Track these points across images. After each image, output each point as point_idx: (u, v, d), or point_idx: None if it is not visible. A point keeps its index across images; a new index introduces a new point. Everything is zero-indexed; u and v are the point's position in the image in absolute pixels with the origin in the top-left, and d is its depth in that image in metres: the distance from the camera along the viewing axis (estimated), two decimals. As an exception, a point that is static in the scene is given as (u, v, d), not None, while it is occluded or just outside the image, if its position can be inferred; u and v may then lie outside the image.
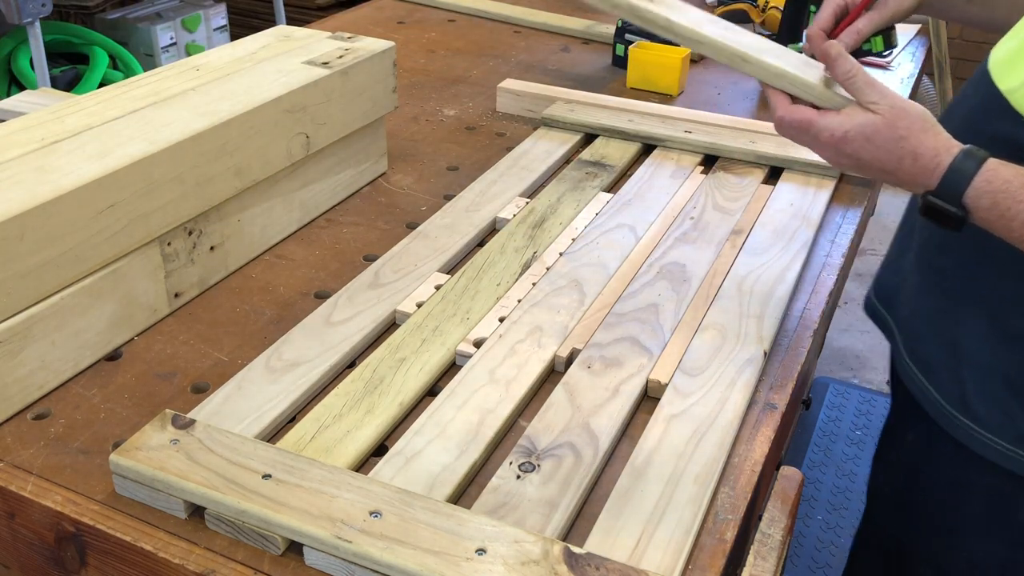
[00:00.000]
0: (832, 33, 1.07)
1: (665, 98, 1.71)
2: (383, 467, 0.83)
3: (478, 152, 1.48)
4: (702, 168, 1.42)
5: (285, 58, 1.25)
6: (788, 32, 1.76)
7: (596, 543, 0.76)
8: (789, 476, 0.84)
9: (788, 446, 1.91)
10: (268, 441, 0.86)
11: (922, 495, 1.09)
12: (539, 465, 0.84)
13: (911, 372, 1.05)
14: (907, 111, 0.85)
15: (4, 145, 0.97)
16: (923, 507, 1.10)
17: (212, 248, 1.10)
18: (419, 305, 1.06)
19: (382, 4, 2.21)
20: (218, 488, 0.77)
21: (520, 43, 2.00)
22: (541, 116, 1.55)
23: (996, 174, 0.81)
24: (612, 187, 1.37)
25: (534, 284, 1.11)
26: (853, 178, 1.40)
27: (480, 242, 1.22)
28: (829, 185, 1.36)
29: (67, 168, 0.93)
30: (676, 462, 0.85)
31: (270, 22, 3.59)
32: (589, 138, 1.51)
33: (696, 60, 1.90)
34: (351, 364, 0.99)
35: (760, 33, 1.98)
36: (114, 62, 3.28)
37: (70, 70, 3.17)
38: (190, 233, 1.06)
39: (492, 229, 1.26)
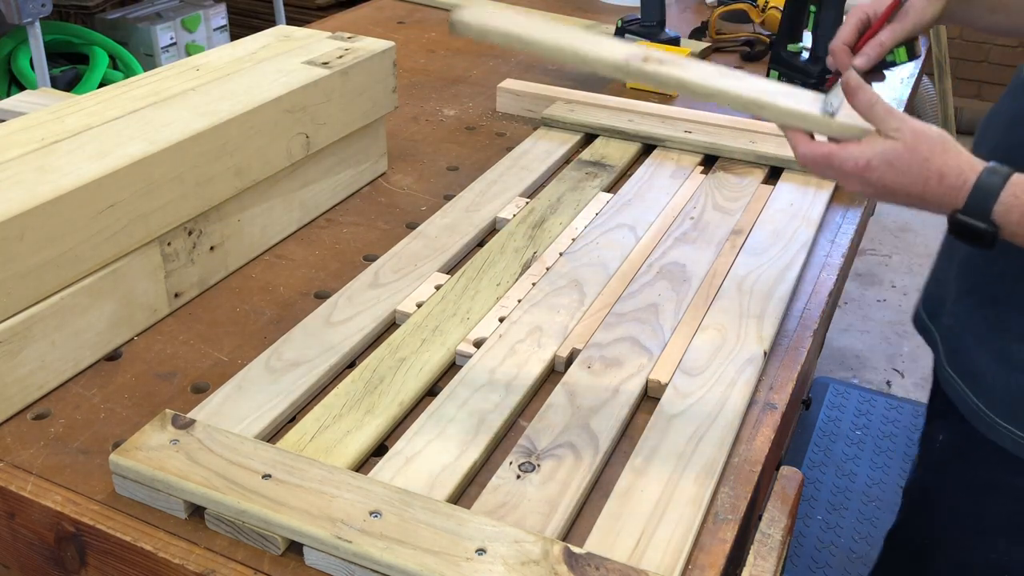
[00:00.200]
0: (855, 46, 1.08)
1: (665, 98, 1.71)
2: (383, 467, 0.83)
3: (478, 152, 1.48)
4: (702, 168, 1.42)
5: (285, 58, 1.25)
6: (788, 32, 1.76)
7: (596, 543, 0.76)
8: (789, 476, 0.84)
9: (788, 446, 1.90)
10: (268, 441, 0.86)
11: (953, 495, 1.11)
12: (539, 465, 0.84)
13: (951, 379, 1.06)
14: (927, 134, 0.85)
15: (4, 145, 0.97)
16: (953, 507, 1.11)
17: (212, 248, 1.10)
18: (419, 305, 1.06)
19: (382, 4, 2.21)
20: (218, 488, 0.77)
21: (520, 43, 1.99)
22: (541, 116, 1.55)
23: (1023, 188, 0.81)
24: (612, 187, 1.37)
25: (534, 284, 1.11)
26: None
27: (480, 242, 1.22)
28: (829, 185, 1.36)
29: (67, 168, 0.93)
30: (676, 462, 0.85)
31: (270, 22, 3.59)
32: (589, 138, 1.51)
33: (696, 60, 1.90)
34: (351, 364, 0.99)
35: (760, 33, 1.98)
36: (114, 62, 3.28)
37: (70, 70, 3.17)
38: (190, 233, 1.06)
39: (492, 229, 1.26)
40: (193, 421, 0.84)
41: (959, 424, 1.05)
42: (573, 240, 1.21)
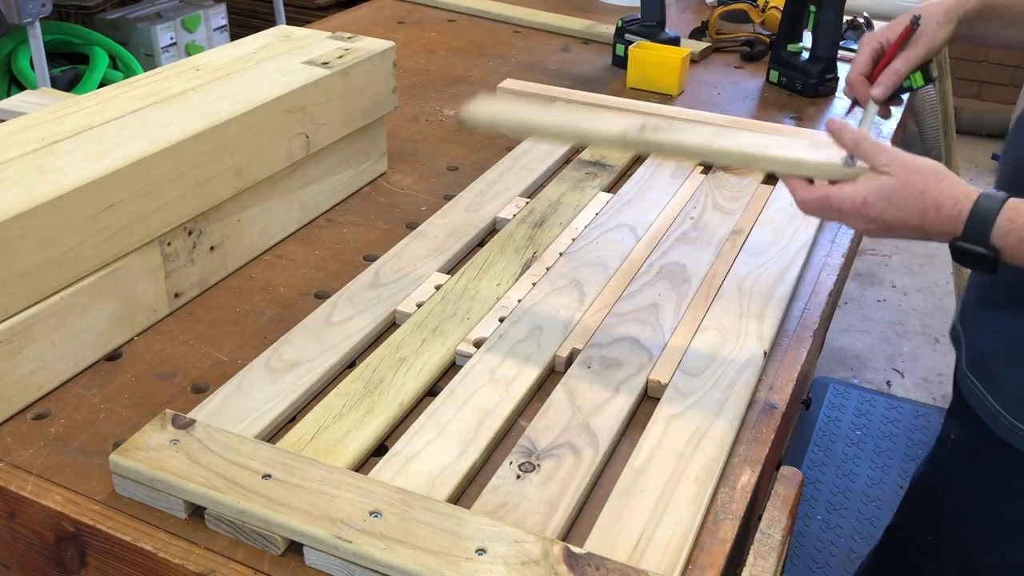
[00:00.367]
0: (871, 75, 1.09)
1: (665, 98, 1.71)
2: (383, 467, 0.83)
3: (478, 152, 1.48)
4: (702, 168, 1.42)
5: (285, 58, 1.25)
6: (788, 32, 1.76)
7: (596, 543, 0.76)
8: (789, 476, 0.84)
9: (788, 446, 1.90)
10: (268, 441, 0.86)
11: (962, 495, 1.11)
12: (539, 465, 0.84)
13: (969, 381, 1.07)
14: (919, 167, 0.87)
15: (4, 145, 0.97)
16: (961, 506, 1.11)
17: (212, 248, 1.10)
18: (419, 305, 1.06)
19: (382, 4, 2.21)
20: (218, 488, 0.77)
21: (520, 43, 2.00)
22: (541, 116, 1.54)
23: (1018, 211, 0.83)
24: (612, 187, 1.37)
25: (534, 284, 1.11)
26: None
27: (480, 242, 1.22)
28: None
29: (67, 168, 0.93)
30: (676, 462, 0.85)
31: (270, 22, 3.59)
32: (589, 138, 1.51)
33: (696, 60, 1.90)
34: (351, 364, 0.99)
35: (760, 33, 1.98)
36: (114, 62, 3.28)
37: (70, 70, 3.17)
38: (190, 233, 1.06)
39: (492, 229, 1.25)
40: (193, 421, 0.84)
41: (973, 424, 1.06)
42: (573, 240, 1.21)
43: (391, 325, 1.05)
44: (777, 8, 1.93)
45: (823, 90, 1.73)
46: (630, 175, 1.40)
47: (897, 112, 1.57)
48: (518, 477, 0.82)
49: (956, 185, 0.86)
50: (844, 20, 1.81)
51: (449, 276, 1.12)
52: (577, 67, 1.86)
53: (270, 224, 1.19)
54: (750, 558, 0.75)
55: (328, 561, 0.74)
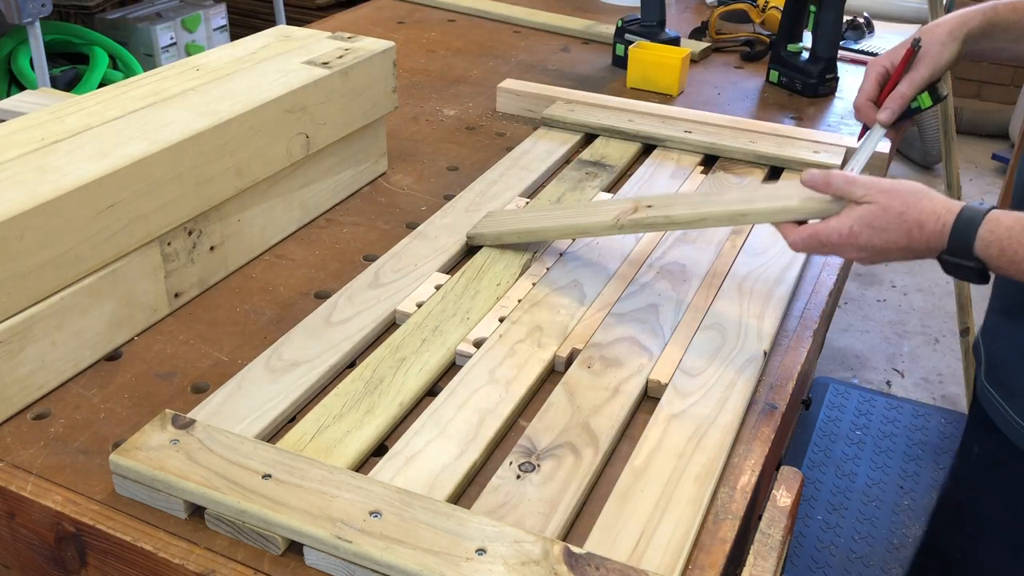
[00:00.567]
0: (878, 99, 1.10)
1: (665, 98, 1.71)
2: (383, 467, 0.83)
3: (478, 152, 1.48)
4: (702, 168, 1.42)
5: (285, 58, 1.25)
6: (788, 32, 1.76)
7: (596, 543, 0.76)
8: (789, 476, 0.84)
9: (788, 446, 1.90)
10: (268, 441, 0.86)
11: (986, 511, 1.11)
12: (539, 465, 0.84)
13: (989, 394, 1.07)
14: (898, 190, 0.90)
15: (4, 145, 0.97)
16: (989, 522, 1.11)
17: (212, 248, 1.10)
18: (419, 305, 1.06)
19: (382, 4, 2.21)
20: (218, 488, 0.77)
21: (520, 43, 2.00)
22: (541, 116, 1.55)
23: (998, 223, 0.84)
24: (612, 187, 1.37)
25: (534, 284, 1.11)
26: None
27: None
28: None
29: (67, 168, 0.93)
30: (676, 462, 0.85)
31: (270, 22, 3.59)
32: (589, 138, 1.51)
33: (696, 60, 1.90)
34: (351, 364, 0.99)
35: (760, 33, 1.98)
36: (114, 62, 3.28)
37: (70, 70, 3.17)
38: (190, 233, 1.06)
39: (492, 229, 1.25)
40: (193, 421, 0.84)
41: (996, 438, 1.05)
42: (573, 240, 1.21)
43: (391, 325, 1.05)
44: (777, 8, 1.93)
45: (823, 90, 1.73)
46: (630, 175, 1.40)
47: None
48: (518, 477, 0.82)
49: (936, 201, 0.88)
50: (844, 20, 1.81)
51: (449, 276, 1.12)
52: (577, 67, 1.86)
53: (270, 224, 1.19)
54: (750, 558, 0.75)
55: (328, 561, 0.74)
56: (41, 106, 1.36)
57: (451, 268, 1.16)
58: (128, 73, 3.28)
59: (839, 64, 1.76)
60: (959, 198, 2.22)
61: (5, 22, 2.69)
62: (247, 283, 1.13)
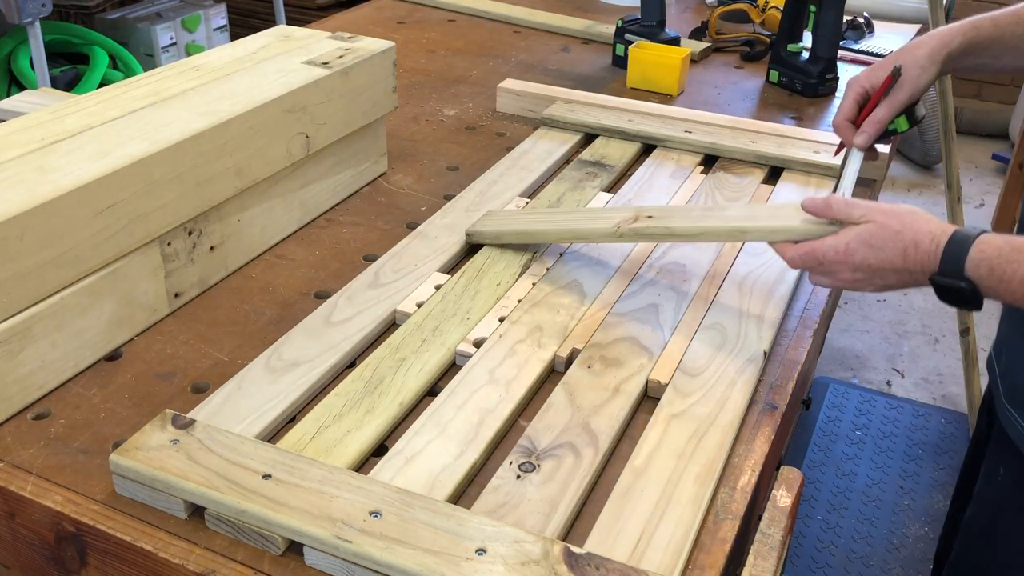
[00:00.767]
0: (856, 120, 1.11)
1: (665, 98, 1.71)
2: (383, 467, 0.83)
3: (478, 152, 1.48)
4: (702, 168, 1.42)
5: (285, 58, 1.25)
6: (788, 32, 1.76)
7: (596, 543, 0.76)
8: (789, 476, 0.84)
9: (788, 446, 1.90)
10: (268, 441, 0.86)
11: (1013, 531, 1.09)
12: (539, 465, 0.84)
13: (1010, 416, 1.06)
14: (895, 211, 0.91)
15: (4, 145, 0.97)
16: (1014, 543, 1.09)
17: (212, 248, 1.10)
18: (419, 305, 1.06)
19: (382, 4, 2.21)
20: (218, 488, 0.77)
21: (520, 43, 2.00)
22: (541, 116, 1.55)
23: (989, 244, 0.85)
24: (612, 187, 1.37)
25: (534, 284, 1.11)
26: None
27: (480, 242, 1.22)
28: (829, 185, 1.36)
29: (67, 168, 0.93)
30: (676, 462, 0.85)
31: (270, 22, 3.59)
32: (589, 138, 1.51)
33: (696, 60, 1.90)
34: (351, 364, 0.99)
35: (760, 33, 1.98)
36: (114, 62, 3.28)
37: (70, 70, 3.17)
38: (190, 233, 1.06)
39: (492, 229, 1.25)
40: (193, 421, 0.84)
41: (1020, 460, 1.04)
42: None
43: (391, 325, 1.05)
44: (777, 8, 1.93)
45: (823, 90, 1.73)
46: (630, 175, 1.40)
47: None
48: (518, 477, 0.82)
49: (932, 223, 0.89)
50: (844, 20, 1.81)
51: (449, 276, 1.12)
52: (577, 67, 1.86)
53: (270, 224, 1.19)
54: (750, 558, 0.75)
55: (328, 561, 0.74)
56: (41, 106, 1.36)
57: (451, 268, 1.16)
58: (128, 73, 3.28)
59: (839, 64, 1.76)
60: (959, 198, 2.23)
61: (5, 22, 2.69)
62: (247, 283, 1.13)
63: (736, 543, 0.80)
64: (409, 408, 0.92)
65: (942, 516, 2.17)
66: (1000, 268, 0.84)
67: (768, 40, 1.92)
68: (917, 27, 2.10)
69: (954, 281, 0.86)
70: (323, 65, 1.23)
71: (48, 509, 0.80)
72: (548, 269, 1.14)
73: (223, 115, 1.06)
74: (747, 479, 0.85)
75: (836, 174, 1.38)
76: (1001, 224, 3.32)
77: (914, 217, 0.90)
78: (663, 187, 1.35)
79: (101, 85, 3.11)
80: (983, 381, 2.44)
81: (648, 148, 1.48)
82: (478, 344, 1.00)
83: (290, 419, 0.91)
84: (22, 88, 3.08)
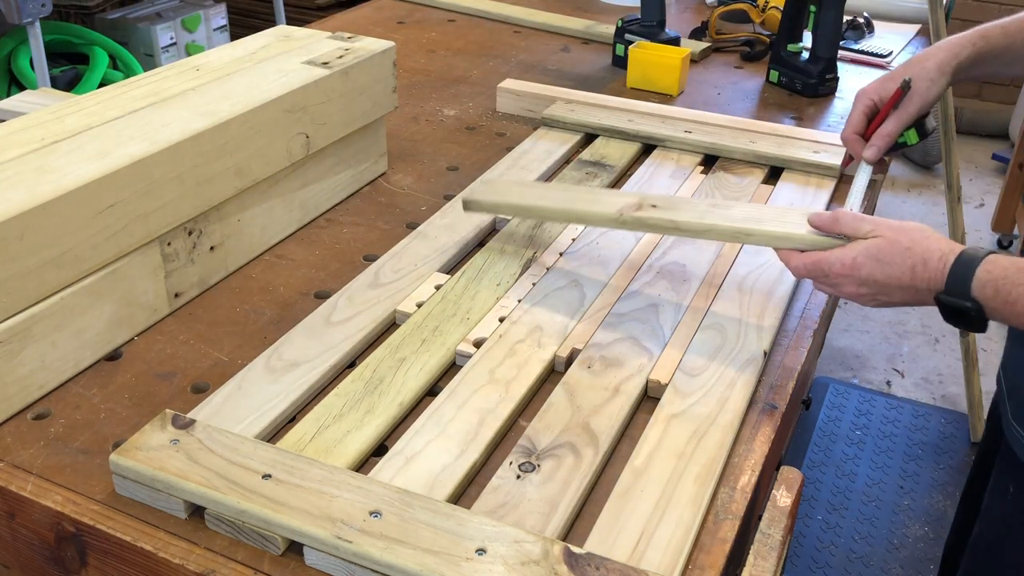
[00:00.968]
0: (865, 133, 1.11)
1: (665, 98, 1.71)
2: (383, 467, 0.83)
3: (478, 152, 1.48)
4: (702, 168, 1.42)
5: (285, 58, 1.25)
6: (788, 32, 1.76)
7: (596, 543, 0.76)
8: (789, 476, 0.84)
9: (788, 446, 1.90)
10: (268, 441, 0.86)
11: (1022, 550, 1.09)
12: (539, 465, 0.84)
13: (1017, 433, 1.06)
14: (904, 227, 0.90)
15: (4, 145, 0.97)
16: (1023, 562, 1.09)
17: (212, 248, 1.10)
18: (419, 305, 1.06)
19: (382, 4, 2.21)
20: (218, 488, 0.77)
21: (520, 43, 2.00)
22: (541, 116, 1.55)
23: (996, 264, 0.84)
24: (612, 187, 1.37)
25: (534, 284, 1.11)
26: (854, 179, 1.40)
27: (480, 242, 1.22)
28: (829, 185, 1.36)
29: (67, 168, 0.93)
30: (676, 462, 0.85)
31: (270, 22, 3.59)
32: (589, 138, 1.51)
33: (696, 60, 1.90)
34: (351, 364, 0.99)
35: (760, 33, 1.98)
36: (114, 62, 3.28)
37: (70, 70, 3.17)
38: (190, 233, 1.06)
39: (492, 229, 1.25)
40: (193, 421, 0.84)
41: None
42: (573, 240, 1.21)
43: (391, 325, 1.05)
44: (777, 8, 1.93)
45: (823, 90, 1.73)
46: (630, 175, 1.40)
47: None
48: (518, 477, 0.83)
49: (942, 241, 0.88)
50: (844, 20, 1.81)
51: (449, 276, 1.12)
52: (577, 67, 1.86)
53: (270, 224, 1.19)
54: (750, 558, 0.75)
55: (328, 561, 0.74)
56: (41, 106, 1.36)
57: (451, 268, 1.16)
58: (128, 73, 3.28)
59: (839, 64, 1.76)
60: (959, 198, 2.23)
61: (5, 22, 2.69)
62: (247, 283, 1.13)
63: (736, 543, 0.80)
64: (409, 408, 0.92)
65: (942, 516, 2.17)
66: (1005, 290, 0.83)
67: (768, 40, 1.92)
68: (917, 27, 2.10)
69: (960, 301, 0.85)
70: (323, 65, 1.23)
71: (48, 509, 0.80)
72: (548, 269, 1.14)
73: (223, 115, 1.06)
74: (747, 479, 0.85)
75: (835, 174, 1.38)
76: (1001, 224, 3.32)
77: (923, 234, 0.89)
78: (663, 187, 1.35)
79: (101, 85, 3.12)
80: (983, 381, 2.44)
81: (648, 148, 1.48)
82: (478, 344, 1.00)
83: (290, 419, 0.91)
84: (22, 88, 3.08)
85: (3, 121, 1.11)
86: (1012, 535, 1.10)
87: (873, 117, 1.13)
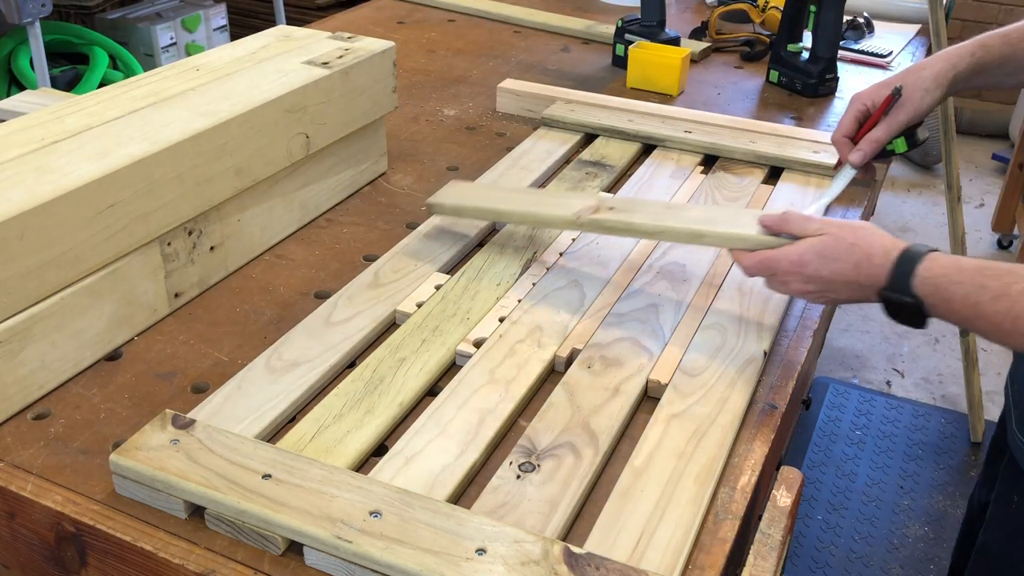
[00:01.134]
0: (855, 137, 1.11)
1: (665, 98, 1.71)
2: (383, 467, 0.83)
3: (478, 152, 1.48)
4: (702, 168, 1.42)
5: (285, 58, 1.25)
6: (788, 32, 1.76)
7: (596, 543, 0.76)
8: (789, 476, 0.84)
9: (788, 446, 1.90)
10: (268, 441, 0.86)
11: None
12: (539, 465, 0.84)
13: (1019, 441, 1.06)
14: (851, 225, 0.92)
15: (4, 145, 0.97)
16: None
17: (212, 248, 1.10)
18: (419, 305, 1.06)
19: (382, 4, 2.21)
20: (218, 488, 0.77)
21: (520, 43, 2.00)
22: (541, 116, 1.55)
23: (936, 262, 0.86)
24: (612, 187, 1.37)
25: (534, 284, 1.11)
26: (854, 179, 1.40)
27: (480, 242, 1.22)
28: (829, 185, 1.36)
29: (67, 168, 0.93)
30: (676, 462, 0.85)
31: (270, 22, 3.59)
32: (589, 138, 1.51)
33: (696, 60, 1.90)
34: (351, 364, 0.99)
35: (760, 33, 1.98)
36: (114, 62, 3.28)
37: (70, 70, 3.17)
38: (190, 233, 1.06)
39: (492, 229, 1.25)
40: (193, 421, 0.84)
41: None
42: (573, 240, 1.21)
43: (391, 325, 1.05)
44: (777, 8, 1.93)
45: (823, 90, 1.73)
46: (630, 175, 1.40)
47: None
48: (518, 477, 0.83)
49: (886, 238, 0.89)
50: (844, 20, 1.81)
51: (449, 276, 1.12)
52: (577, 67, 1.86)
53: (270, 224, 1.19)
54: (750, 558, 0.75)
55: (328, 561, 0.74)
56: (41, 106, 1.36)
57: (451, 268, 1.16)
58: (128, 73, 3.28)
59: (839, 64, 1.76)
60: (959, 198, 2.23)
61: (5, 22, 2.69)
62: (247, 283, 1.13)
63: (736, 543, 0.80)
64: (409, 408, 0.92)
65: (942, 516, 2.17)
66: (944, 288, 0.84)
67: (768, 40, 1.92)
68: (917, 27, 2.10)
69: (901, 296, 0.87)
70: (323, 65, 1.23)
71: (48, 509, 0.80)
72: (548, 269, 1.14)
73: (223, 115, 1.06)
74: (747, 479, 0.85)
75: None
76: (1001, 224, 3.32)
77: (868, 231, 0.90)
78: (663, 187, 1.35)
79: (101, 85, 3.12)
80: (983, 381, 2.44)
81: (648, 148, 1.48)
82: (478, 344, 1.00)
83: (290, 419, 0.91)
84: (22, 88, 3.08)
85: (3, 121, 1.11)
86: (1017, 545, 1.10)
87: (865, 121, 1.13)
